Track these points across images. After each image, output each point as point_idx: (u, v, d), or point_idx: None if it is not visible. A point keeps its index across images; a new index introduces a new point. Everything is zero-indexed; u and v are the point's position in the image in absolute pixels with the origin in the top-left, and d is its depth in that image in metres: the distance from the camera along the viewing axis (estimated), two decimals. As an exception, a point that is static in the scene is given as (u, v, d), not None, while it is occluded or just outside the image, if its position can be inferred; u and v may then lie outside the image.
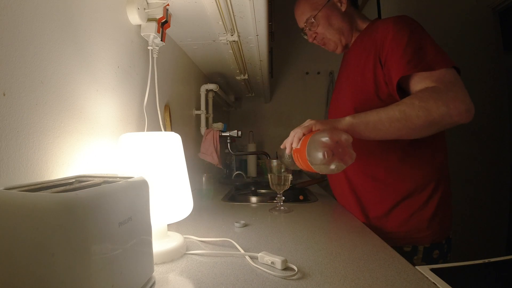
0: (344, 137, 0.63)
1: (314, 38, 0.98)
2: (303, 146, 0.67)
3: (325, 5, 0.91)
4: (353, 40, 0.96)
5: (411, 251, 0.82)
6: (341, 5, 0.92)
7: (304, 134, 0.69)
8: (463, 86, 0.69)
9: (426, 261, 0.81)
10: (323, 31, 0.94)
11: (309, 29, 0.96)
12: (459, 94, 0.66)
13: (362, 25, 0.94)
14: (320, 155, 0.61)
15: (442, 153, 0.84)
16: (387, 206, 0.84)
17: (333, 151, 0.61)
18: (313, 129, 0.68)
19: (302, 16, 0.96)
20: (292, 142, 0.71)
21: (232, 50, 1.27)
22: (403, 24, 0.77)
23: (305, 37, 1.00)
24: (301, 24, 0.97)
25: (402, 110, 0.67)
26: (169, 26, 0.91)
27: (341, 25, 0.93)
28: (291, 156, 0.74)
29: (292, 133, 0.72)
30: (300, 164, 0.70)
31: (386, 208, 0.84)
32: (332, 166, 0.62)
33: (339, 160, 0.61)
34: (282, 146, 0.76)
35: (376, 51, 0.81)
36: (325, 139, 0.62)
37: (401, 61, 0.73)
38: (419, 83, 0.72)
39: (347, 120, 0.69)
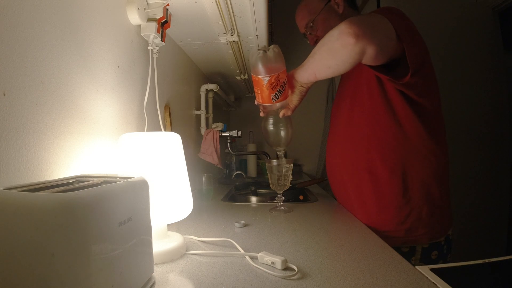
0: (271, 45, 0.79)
1: (315, 42, 1.00)
2: None
3: (322, 9, 0.94)
4: None
5: (408, 252, 0.82)
6: (338, 8, 0.94)
7: None
8: (369, 19, 0.70)
9: (424, 261, 0.81)
10: (322, 34, 0.95)
11: (310, 33, 0.99)
12: (354, 20, 0.66)
13: None
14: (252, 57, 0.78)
15: (441, 151, 0.84)
16: (386, 204, 0.84)
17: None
18: None
19: (302, 21, 0.99)
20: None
21: (232, 50, 1.27)
22: (386, 10, 0.78)
23: (308, 41, 1.03)
24: (302, 29, 1.00)
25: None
26: (169, 26, 0.91)
27: None
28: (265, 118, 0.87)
29: None
30: (259, 96, 0.82)
31: (385, 206, 0.84)
32: (260, 54, 0.77)
33: (263, 50, 0.77)
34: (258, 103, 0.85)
35: None
36: None
37: None
38: None
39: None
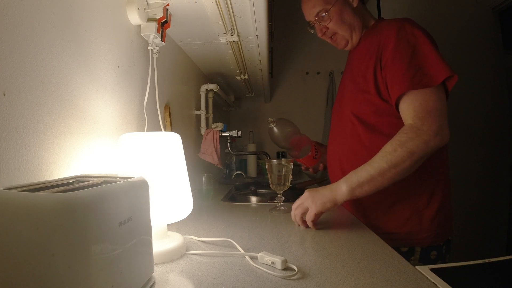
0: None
1: (324, 33, 0.92)
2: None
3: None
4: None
5: (408, 252, 0.81)
6: (352, 1, 0.89)
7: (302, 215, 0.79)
8: (440, 111, 0.74)
9: (423, 262, 0.80)
10: (334, 26, 0.90)
11: (319, 23, 0.91)
12: (433, 126, 0.72)
13: (369, 23, 0.93)
14: None
15: (439, 153, 0.82)
16: (385, 206, 0.84)
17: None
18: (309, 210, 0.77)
19: (313, 9, 0.89)
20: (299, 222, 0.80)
21: (232, 50, 1.27)
22: (405, 34, 0.77)
23: (312, 31, 0.95)
24: (311, 17, 0.91)
25: (389, 160, 0.72)
26: (169, 26, 0.91)
27: (353, 21, 0.90)
28: None
29: (296, 214, 0.80)
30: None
31: (384, 209, 0.84)
32: None
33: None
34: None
35: (378, 54, 0.81)
36: None
37: (403, 78, 0.75)
38: (406, 107, 0.76)
39: (343, 191, 0.75)
